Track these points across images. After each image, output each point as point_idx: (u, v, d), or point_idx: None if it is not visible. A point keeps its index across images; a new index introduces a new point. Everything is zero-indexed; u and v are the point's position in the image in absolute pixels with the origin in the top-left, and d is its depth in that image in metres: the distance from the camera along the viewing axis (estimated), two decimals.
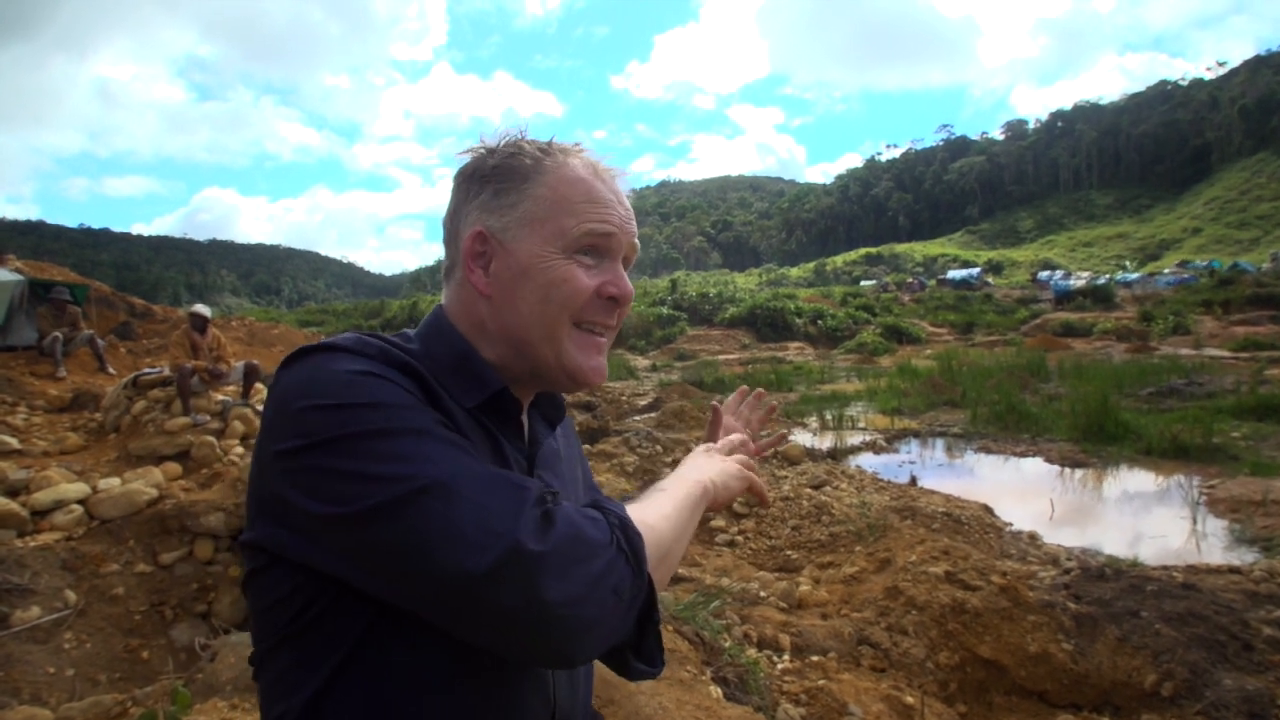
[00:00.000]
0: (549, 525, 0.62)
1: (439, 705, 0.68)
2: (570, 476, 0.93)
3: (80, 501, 4.44)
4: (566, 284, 0.78)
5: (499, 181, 0.79)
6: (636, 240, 0.85)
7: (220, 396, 6.74)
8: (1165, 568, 4.21)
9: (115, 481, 4.70)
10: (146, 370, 7.72)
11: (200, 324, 7.25)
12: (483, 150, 0.82)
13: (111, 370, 9.66)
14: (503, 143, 0.82)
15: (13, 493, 4.45)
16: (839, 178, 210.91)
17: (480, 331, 0.81)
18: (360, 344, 0.71)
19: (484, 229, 0.79)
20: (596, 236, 0.79)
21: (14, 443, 5.83)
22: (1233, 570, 4.26)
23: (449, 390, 0.75)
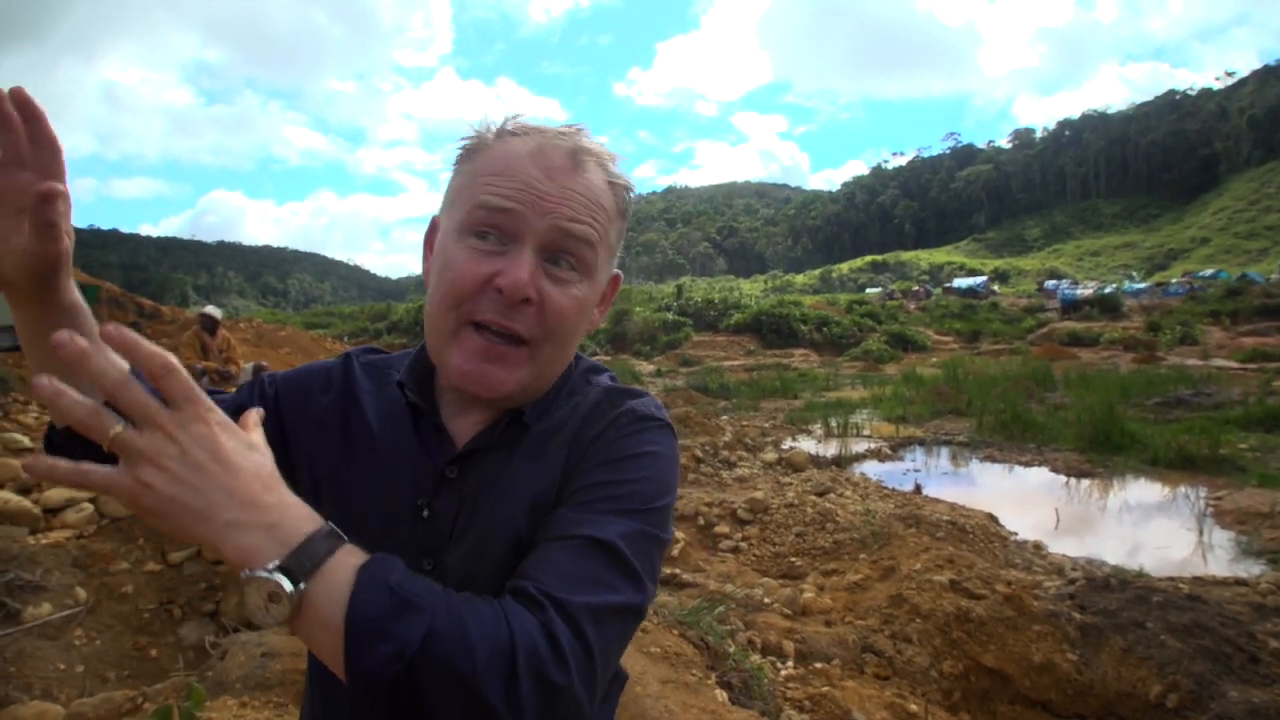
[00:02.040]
0: None
1: None
2: (500, 505, 0.72)
3: (91, 500, 4.49)
4: (449, 269, 0.70)
5: (455, 165, 0.76)
6: (580, 227, 0.70)
7: None
8: (1171, 579, 4.20)
9: None
10: None
11: (210, 325, 7.32)
12: None
13: None
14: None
15: (25, 490, 4.50)
16: (845, 185, 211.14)
17: None
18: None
19: (436, 215, 0.79)
20: (490, 211, 0.69)
21: (26, 441, 5.88)
22: (1239, 582, 4.25)
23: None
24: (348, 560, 0.54)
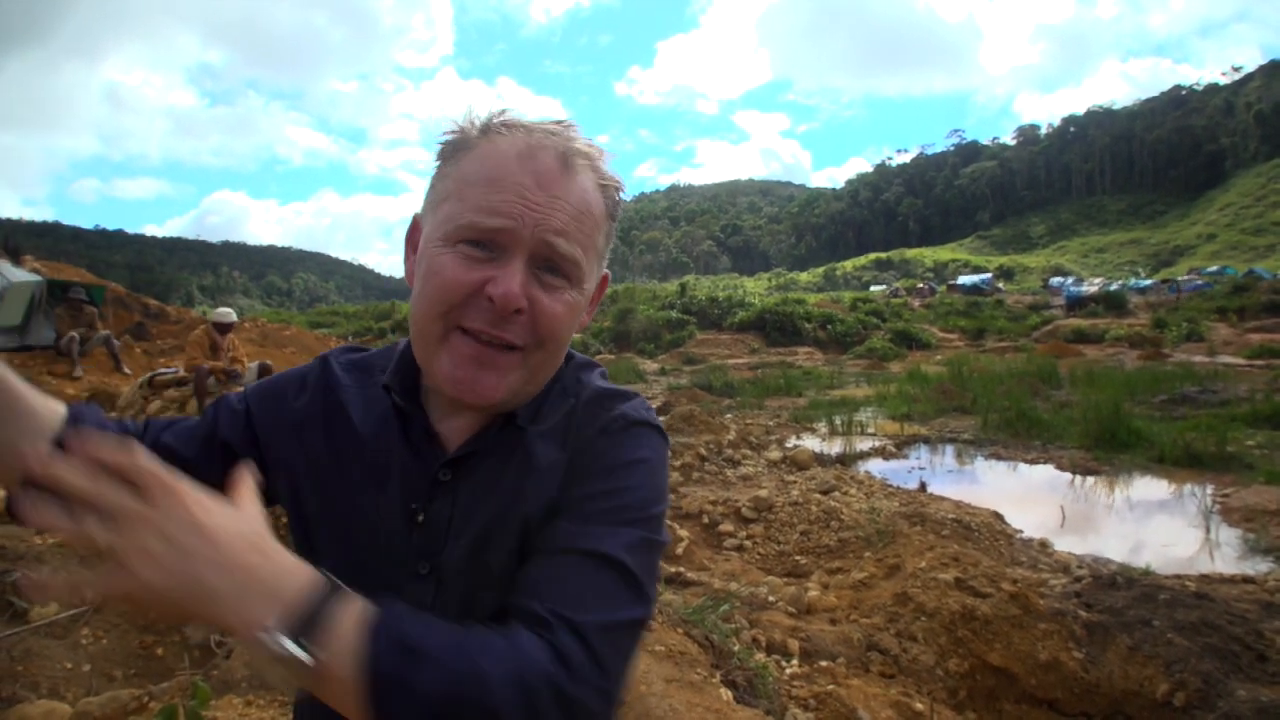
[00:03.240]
0: None
1: None
2: (497, 509, 0.72)
3: None
4: (437, 276, 0.68)
5: (438, 162, 0.74)
6: (570, 238, 0.69)
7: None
8: (1178, 577, 4.18)
9: None
10: (162, 370, 7.82)
11: (223, 327, 7.38)
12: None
13: (127, 370, 9.79)
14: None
15: None
16: (849, 182, 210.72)
17: None
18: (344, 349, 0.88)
19: (417, 213, 0.77)
20: (481, 231, 0.67)
21: None
22: (1246, 580, 4.23)
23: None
24: (351, 614, 0.53)
